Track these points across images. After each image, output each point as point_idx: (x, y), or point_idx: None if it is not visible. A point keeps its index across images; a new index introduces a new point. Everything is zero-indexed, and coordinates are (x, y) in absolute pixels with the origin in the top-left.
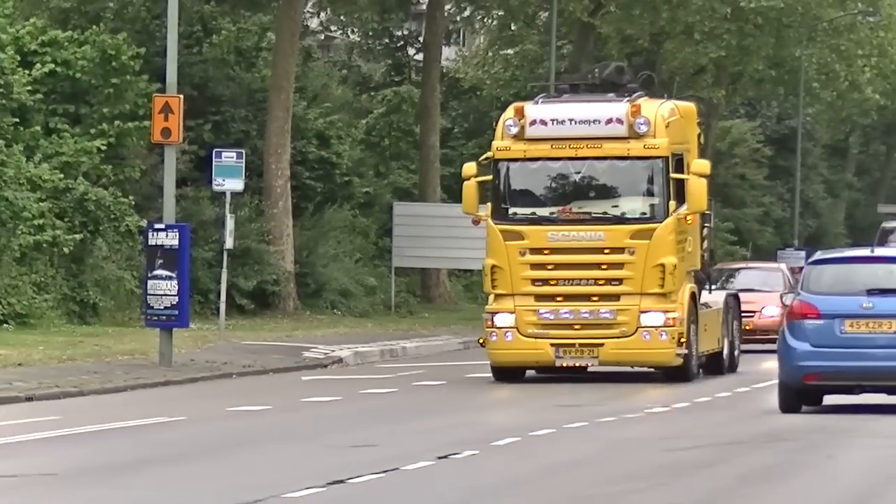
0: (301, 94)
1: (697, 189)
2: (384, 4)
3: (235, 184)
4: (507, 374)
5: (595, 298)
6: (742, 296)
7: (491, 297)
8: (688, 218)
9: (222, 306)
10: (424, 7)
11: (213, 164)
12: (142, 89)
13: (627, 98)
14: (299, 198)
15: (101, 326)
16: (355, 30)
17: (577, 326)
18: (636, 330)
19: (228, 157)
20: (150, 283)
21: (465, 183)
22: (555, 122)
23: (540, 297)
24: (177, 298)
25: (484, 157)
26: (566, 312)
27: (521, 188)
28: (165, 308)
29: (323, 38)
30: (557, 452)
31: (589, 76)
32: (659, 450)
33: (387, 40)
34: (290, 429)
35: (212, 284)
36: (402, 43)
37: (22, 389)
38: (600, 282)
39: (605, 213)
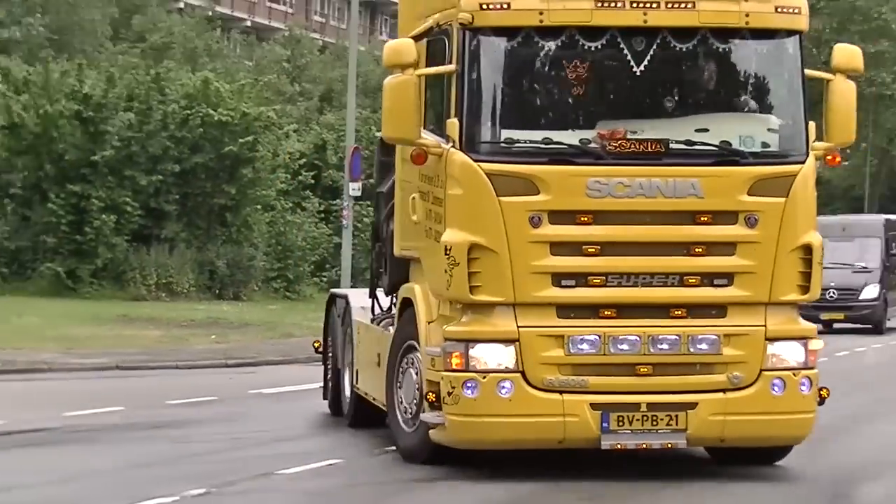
0: None
1: (848, 102)
2: None
3: None
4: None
5: (679, 313)
6: None
7: (458, 311)
8: (829, 157)
9: None
10: None
11: None
12: None
13: None
14: None
15: None
16: None
17: (644, 370)
18: (758, 375)
19: None
20: None
21: (394, 81)
22: None
23: (570, 310)
24: None
25: (437, 21)
26: (624, 343)
27: (529, 90)
28: None
29: None
30: None
31: None
32: None
33: None
34: None
35: None
36: None
37: None
38: (691, 280)
39: (702, 143)
